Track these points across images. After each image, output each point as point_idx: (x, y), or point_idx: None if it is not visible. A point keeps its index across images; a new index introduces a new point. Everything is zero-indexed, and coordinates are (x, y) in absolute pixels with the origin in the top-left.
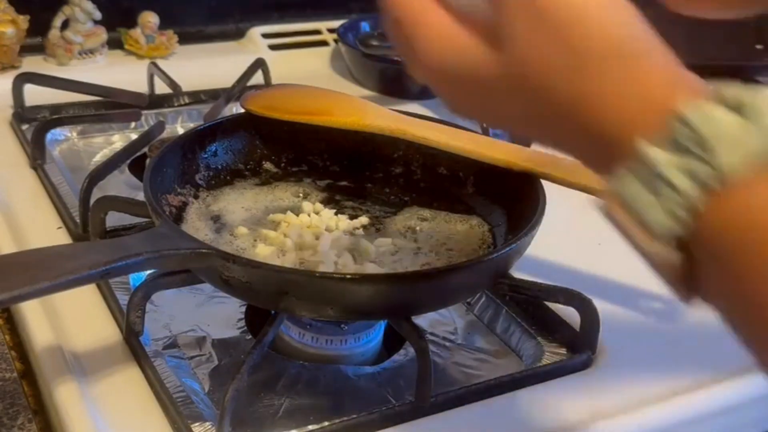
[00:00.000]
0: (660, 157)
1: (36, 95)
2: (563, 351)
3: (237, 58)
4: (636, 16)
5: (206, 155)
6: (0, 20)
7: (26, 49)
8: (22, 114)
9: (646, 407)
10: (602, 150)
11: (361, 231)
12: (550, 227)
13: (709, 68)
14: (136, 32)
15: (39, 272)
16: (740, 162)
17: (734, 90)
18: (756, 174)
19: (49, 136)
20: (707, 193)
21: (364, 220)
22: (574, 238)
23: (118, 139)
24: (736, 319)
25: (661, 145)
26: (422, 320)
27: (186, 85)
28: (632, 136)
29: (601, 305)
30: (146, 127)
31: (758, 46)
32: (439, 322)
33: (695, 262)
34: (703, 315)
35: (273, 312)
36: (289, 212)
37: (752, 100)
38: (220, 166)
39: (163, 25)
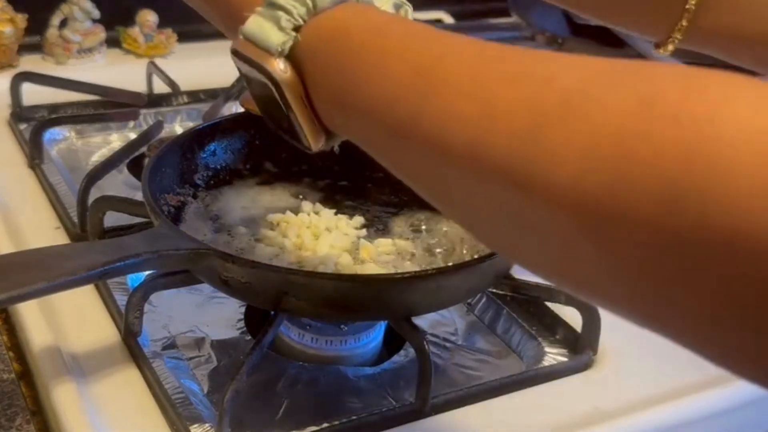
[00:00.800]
0: None
1: (34, 94)
2: (564, 352)
3: None
4: None
5: (205, 155)
6: None
7: (24, 48)
8: (20, 113)
9: (648, 408)
10: (239, 7)
11: (361, 231)
12: None
13: (708, 66)
14: (135, 31)
15: (37, 273)
16: None
17: None
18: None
19: (47, 135)
20: (308, 14)
21: (363, 219)
22: None
23: (116, 139)
24: (344, 120)
25: None
26: (422, 321)
27: (185, 85)
28: None
29: None
30: (145, 127)
31: None
32: (440, 322)
33: (306, 75)
34: None
35: (272, 312)
36: (288, 212)
37: None
38: (219, 166)
39: (162, 24)
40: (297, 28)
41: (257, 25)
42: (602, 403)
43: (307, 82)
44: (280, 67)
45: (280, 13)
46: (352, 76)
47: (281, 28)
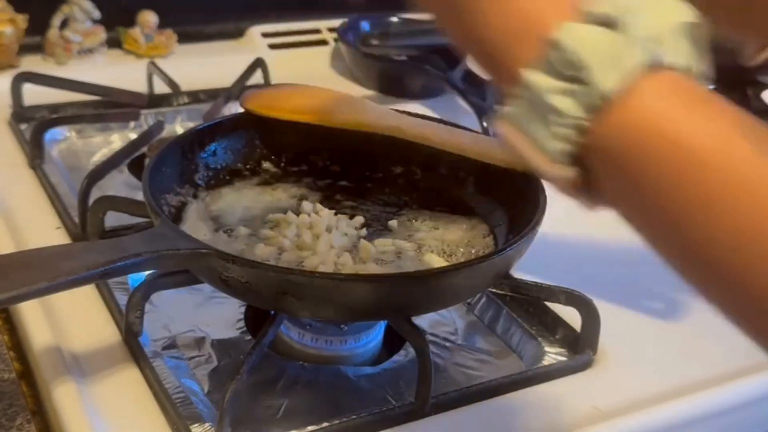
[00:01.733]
0: (541, 83)
1: (35, 95)
2: (564, 351)
3: (236, 57)
4: None
5: (205, 155)
6: None
7: (25, 49)
8: (20, 113)
9: (647, 407)
10: (496, 67)
11: (361, 231)
12: (551, 227)
13: None
14: (135, 31)
15: (37, 272)
16: (615, 77)
17: (603, 4)
18: (630, 88)
19: (47, 135)
20: (590, 111)
21: (363, 220)
22: (575, 238)
23: (117, 139)
24: (635, 219)
25: (540, 70)
26: (422, 320)
27: (185, 85)
28: (515, 60)
29: (601, 306)
30: (145, 127)
31: None
32: (440, 322)
33: (591, 174)
34: (704, 315)
35: (272, 312)
36: (288, 212)
37: (619, 12)
38: (219, 166)
39: (163, 24)
40: (579, 127)
41: (522, 115)
42: (602, 403)
43: (592, 180)
44: (557, 170)
45: (551, 114)
46: (651, 187)
47: (556, 135)
